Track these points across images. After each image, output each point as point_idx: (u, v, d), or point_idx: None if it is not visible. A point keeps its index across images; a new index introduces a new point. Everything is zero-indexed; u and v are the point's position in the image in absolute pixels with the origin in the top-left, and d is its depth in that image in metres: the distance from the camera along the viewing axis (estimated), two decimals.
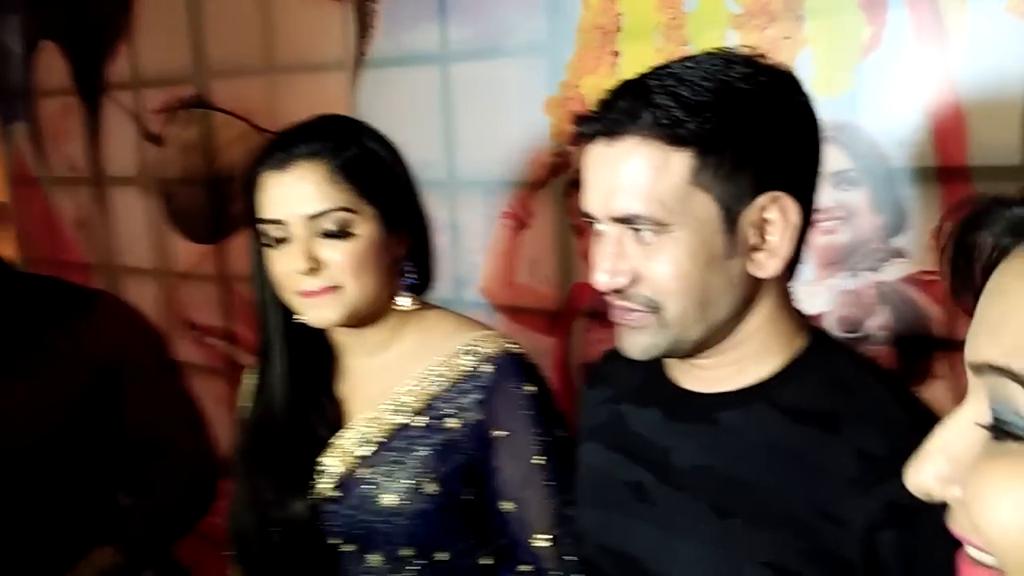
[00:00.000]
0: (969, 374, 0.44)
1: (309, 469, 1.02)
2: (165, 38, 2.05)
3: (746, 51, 0.77)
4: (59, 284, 1.34)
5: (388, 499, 0.98)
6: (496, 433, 0.99)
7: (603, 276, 0.76)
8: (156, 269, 2.23)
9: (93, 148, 2.30)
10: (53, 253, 2.49)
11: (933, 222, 1.12)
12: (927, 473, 0.44)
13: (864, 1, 1.14)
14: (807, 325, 0.82)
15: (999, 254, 0.44)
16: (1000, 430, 0.41)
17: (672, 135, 0.71)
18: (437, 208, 1.07)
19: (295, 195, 0.95)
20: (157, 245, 2.21)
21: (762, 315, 0.78)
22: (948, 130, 1.09)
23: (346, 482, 1.01)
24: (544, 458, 0.98)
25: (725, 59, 0.75)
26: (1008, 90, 1.05)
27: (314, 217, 0.95)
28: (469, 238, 1.57)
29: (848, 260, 1.18)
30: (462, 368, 1.00)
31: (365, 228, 0.97)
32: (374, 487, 0.99)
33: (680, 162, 0.72)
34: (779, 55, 1.21)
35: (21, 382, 1.20)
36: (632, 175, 0.73)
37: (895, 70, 1.12)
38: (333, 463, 1.02)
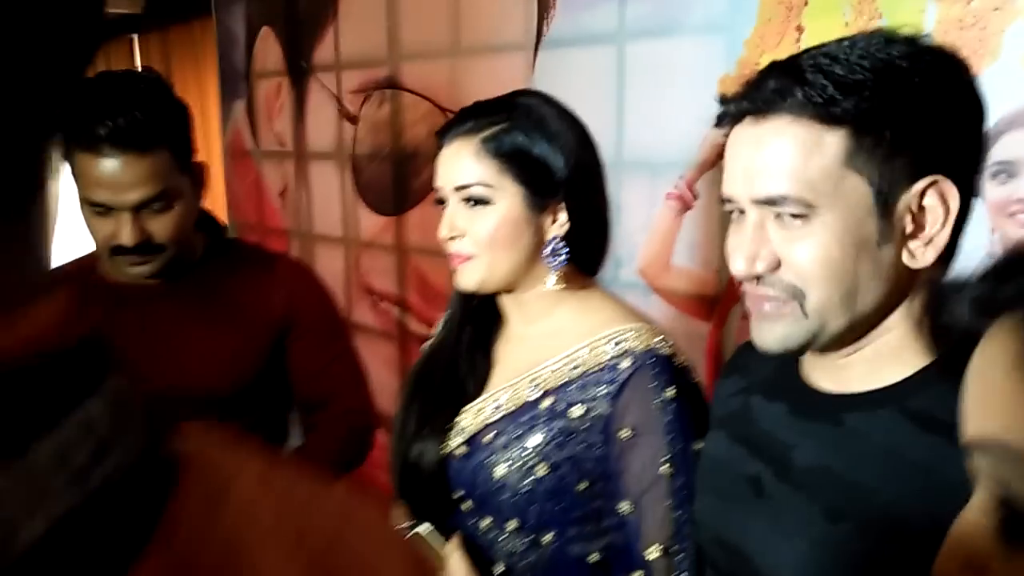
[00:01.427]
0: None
1: (447, 419, 1.06)
2: (364, 23, 2.20)
3: (909, 31, 0.71)
4: (248, 247, 1.49)
5: (500, 470, 1.00)
6: (622, 432, 0.96)
7: (742, 262, 0.73)
8: (343, 237, 2.39)
9: (298, 125, 2.51)
10: (258, 219, 2.75)
11: None
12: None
13: None
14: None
15: (975, 336, 0.44)
16: (1010, 515, 0.41)
17: (826, 113, 0.68)
18: (600, 173, 1.07)
19: (449, 167, 1.03)
20: (346, 216, 2.38)
21: (908, 310, 0.73)
22: None
23: (473, 442, 1.04)
24: (672, 468, 0.94)
25: (886, 38, 0.70)
26: None
27: (459, 188, 1.01)
28: (631, 218, 1.55)
29: None
30: (600, 358, 0.98)
31: (504, 203, 1.00)
32: (491, 454, 1.01)
33: (834, 142, 0.68)
34: (987, 28, 1.10)
35: (217, 332, 1.31)
36: (780, 155, 0.70)
37: None
38: (466, 421, 1.05)
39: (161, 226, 1.21)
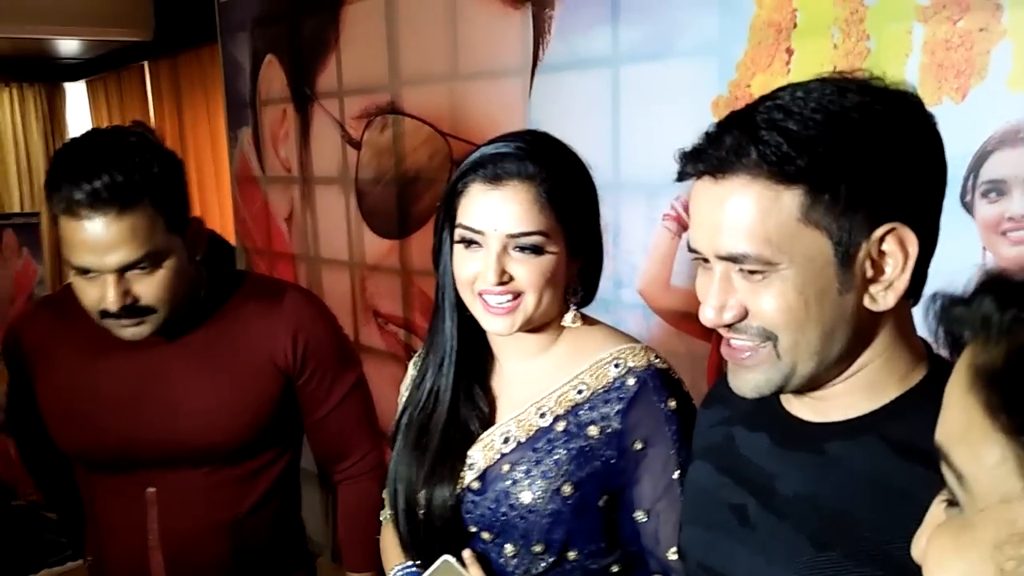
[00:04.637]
0: None
1: (458, 459, 1.07)
2: (366, 50, 2.23)
3: (861, 75, 0.72)
4: (257, 281, 1.45)
5: (525, 496, 1.02)
6: (635, 445, 1.00)
7: (711, 312, 0.75)
8: (349, 261, 2.42)
9: (303, 151, 2.54)
10: (266, 244, 2.78)
11: None
12: (918, 546, 0.51)
13: None
14: (929, 355, 0.76)
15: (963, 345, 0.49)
16: (948, 500, 0.49)
17: (782, 172, 0.68)
18: (600, 209, 1.08)
19: (502, 212, 1.00)
20: (351, 239, 2.40)
21: (877, 348, 0.74)
22: None
23: (487, 476, 1.05)
24: (680, 473, 0.99)
25: (838, 87, 0.70)
26: None
27: (513, 236, 1.00)
28: (629, 239, 1.57)
29: None
30: (606, 379, 1.02)
31: (554, 249, 1.01)
32: (512, 484, 1.03)
33: (791, 200, 0.69)
34: (972, 48, 1.12)
35: (219, 387, 1.28)
36: (739, 214, 0.70)
37: None
38: (478, 456, 1.07)
39: (148, 288, 1.16)
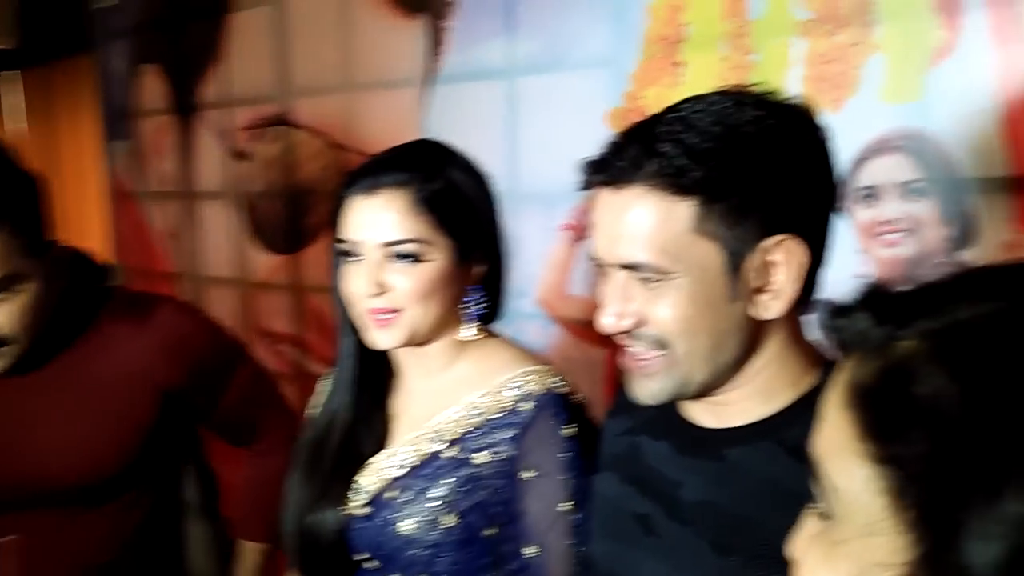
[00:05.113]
0: None
1: (348, 483, 1.03)
2: (253, 60, 2.16)
3: (759, 90, 0.75)
4: (129, 298, 1.32)
5: (407, 526, 0.98)
6: (526, 474, 0.97)
7: (610, 319, 0.76)
8: (236, 278, 2.32)
9: (184, 164, 2.43)
10: (145, 262, 2.63)
11: (1003, 235, 1.05)
12: (790, 548, 0.53)
13: (939, 4, 1.10)
14: (822, 361, 0.78)
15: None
16: (821, 511, 0.50)
17: (676, 184, 0.71)
18: (500, 217, 1.07)
19: (375, 221, 0.98)
20: (238, 256, 2.31)
21: (769, 354, 0.76)
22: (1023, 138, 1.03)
23: (377, 501, 1.02)
24: (572, 505, 0.97)
25: (737, 101, 0.73)
26: None
27: (389, 244, 0.98)
28: (528, 249, 1.56)
29: (912, 274, 1.12)
30: (502, 403, 0.99)
31: (437, 258, 0.99)
32: (396, 512, 1.00)
33: (684, 211, 0.71)
34: (847, 62, 1.18)
35: (85, 421, 1.18)
36: (637, 224, 0.73)
37: (968, 76, 1.07)
38: (369, 480, 1.03)
39: (3, 317, 1.08)
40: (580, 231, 1.51)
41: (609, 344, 1.47)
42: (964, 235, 1.09)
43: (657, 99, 1.33)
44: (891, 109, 1.15)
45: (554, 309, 1.56)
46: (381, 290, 0.97)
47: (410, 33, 1.75)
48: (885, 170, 1.15)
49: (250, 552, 1.35)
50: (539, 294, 1.57)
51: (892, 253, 1.13)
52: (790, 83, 1.22)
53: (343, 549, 1.02)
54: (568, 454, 0.97)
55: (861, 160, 1.17)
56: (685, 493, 0.79)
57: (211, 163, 2.34)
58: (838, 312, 0.48)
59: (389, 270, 0.98)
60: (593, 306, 1.53)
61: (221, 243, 2.35)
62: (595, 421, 1.03)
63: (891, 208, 1.14)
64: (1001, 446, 0.38)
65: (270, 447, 1.34)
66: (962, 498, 0.39)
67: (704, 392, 0.78)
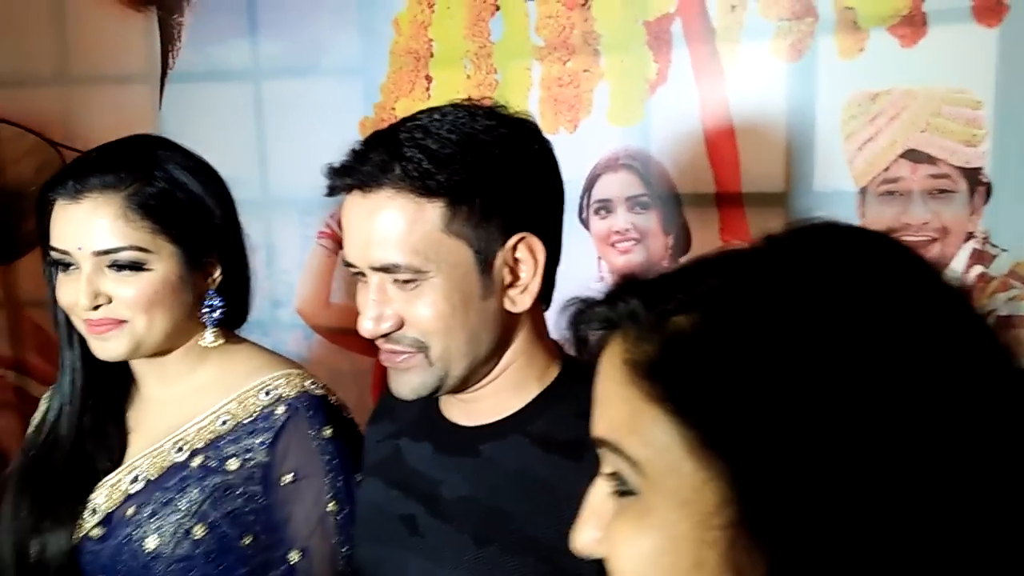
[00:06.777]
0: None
1: (77, 502, 0.96)
2: None
3: (489, 103, 0.82)
4: None
5: (150, 543, 0.93)
6: (284, 479, 0.95)
7: (369, 323, 0.79)
8: None
9: None
10: None
11: (713, 243, 1.23)
12: (583, 539, 0.52)
13: (650, 40, 1.24)
14: (562, 355, 0.87)
15: (601, 344, 0.52)
16: (619, 490, 0.49)
17: (423, 187, 0.75)
18: (250, 227, 1.03)
19: (85, 229, 0.90)
20: None
21: (518, 348, 0.83)
22: (724, 160, 1.22)
23: (112, 520, 0.95)
24: (337, 505, 0.96)
25: (470, 112, 0.79)
26: (773, 125, 1.19)
27: (102, 253, 0.91)
28: (284, 258, 1.54)
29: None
30: (253, 408, 0.97)
31: (160, 265, 0.93)
32: (136, 528, 0.94)
33: (433, 212, 0.75)
34: (579, 86, 1.30)
35: None
36: (388, 226, 0.75)
37: (679, 104, 1.24)
38: (101, 499, 0.96)
39: None
40: (338, 238, 1.51)
41: (374, 353, 1.50)
42: (683, 243, 1.25)
43: (408, 111, 1.35)
44: (618, 131, 1.28)
45: (314, 319, 1.55)
46: (99, 301, 0.91)
47: (138, 26, 1.62)
48: (616, 185, 1.29)
49: None
50: (298, 304, 1.55)
51: (625, 259, 1.27)
52: (531, 103, 1.32)
53: (76, 574, 0.95)
54: (328, 455, 0.96)
55: (595, 176, 1.30)
56: (445, 491, 0.83)
57: None
58: (598, 301, 0.52)
59: (107, 279, 0.91)
60: (355, 314, 1.55)
61: None
62: (355, 422, 1.04)
63: (622, 219, 1.29)
64: (793, 380, 0.43)
65: None
66: (768, 434, 0.42)
67: (463, 385, 0.82)
